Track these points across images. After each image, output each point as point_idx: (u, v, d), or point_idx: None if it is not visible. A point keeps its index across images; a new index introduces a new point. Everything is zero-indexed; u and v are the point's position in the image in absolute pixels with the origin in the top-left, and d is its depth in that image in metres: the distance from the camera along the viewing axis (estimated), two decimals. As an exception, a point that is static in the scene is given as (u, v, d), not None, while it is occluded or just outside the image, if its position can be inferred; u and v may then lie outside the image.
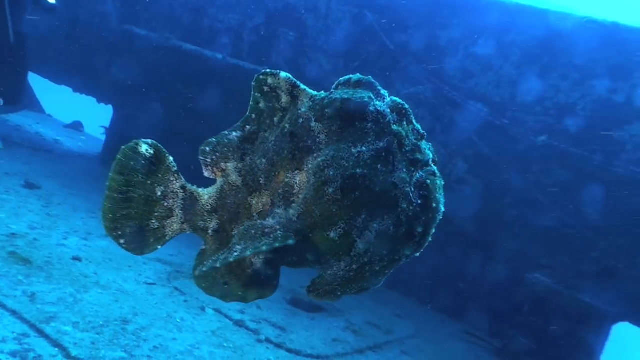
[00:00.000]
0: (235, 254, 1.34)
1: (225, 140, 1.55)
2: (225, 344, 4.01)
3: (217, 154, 1.55)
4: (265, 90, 1.49)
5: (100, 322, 3.60)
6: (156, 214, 1.58)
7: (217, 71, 6.97)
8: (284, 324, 4.71)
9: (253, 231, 1.40)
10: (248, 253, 1.33)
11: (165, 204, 1.58)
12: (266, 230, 1.38)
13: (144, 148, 1.57)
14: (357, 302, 5.91)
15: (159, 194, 1.58)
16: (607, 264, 5.78)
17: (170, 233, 1.60)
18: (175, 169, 1.59)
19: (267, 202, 1.45)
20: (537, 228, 6.02)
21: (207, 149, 1.56)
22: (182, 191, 1.59)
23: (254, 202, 1.48)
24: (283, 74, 1.48)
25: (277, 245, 1.32)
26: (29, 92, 10.93)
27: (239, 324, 4.44)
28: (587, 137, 5.85)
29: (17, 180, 6.05)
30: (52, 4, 6.89)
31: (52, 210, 5.52)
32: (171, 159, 1.59)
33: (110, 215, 1.57)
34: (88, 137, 11.67)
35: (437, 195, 1.32)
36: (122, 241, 1.59)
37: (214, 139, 1.57)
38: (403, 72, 6.69)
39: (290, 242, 1.33)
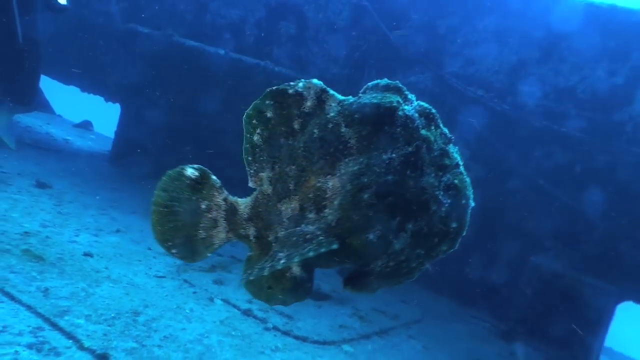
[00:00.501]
0: (282, 261, 1.40)
1: (257, 149, 1.60)
2: (233, 333, 4.13)
3: (257, 164, 1.60)
4: (290, 92, 1.51)
5: (112, 315, 3.73)
6: (202, 225, 1.67)
7: (219, 67, 7.07)
8: (291, 312, 4.82)
9: (294, 238, 1.46)
10: (296, 260, 1.39)
11: (210, 216, 1.67)
12: (307, 237, 1.43)
13: (189, 171, 1.67)
14: (363, 289, 6.00)
15: (204, 207, 1.67)
16: (610, 244, 5.84)
17: (218, 241, 1.69)
18: (219, 184, 1.68)
19: (296, 208, 1.50)
20: (540, 211, 6.08)
21: (250, 158, 1.61)
22: (224, 203, 1.67)
23: (283, 208, 1.53)
24: (315, 81, 1.52)
25: (322, 250, 1.38)
26: (39, 93, 11.10)
27: (246, 313, 4.56)
28: (587, 120, 5.90)
29: (29, 180, 6.20)
30: (63, 5, 6.99)
31: (63, 208, 5.66)
32: (214, 177, 1.68)
33: (159, 228, 1.66)
34: (97, 135, 11.83)
35: (465, 192, 1.40)
36: (173, 250, 1.68)
37: (248, 145, 1.61)
38: (404, 61, 6.75)
39: (334, 246, 1.39)
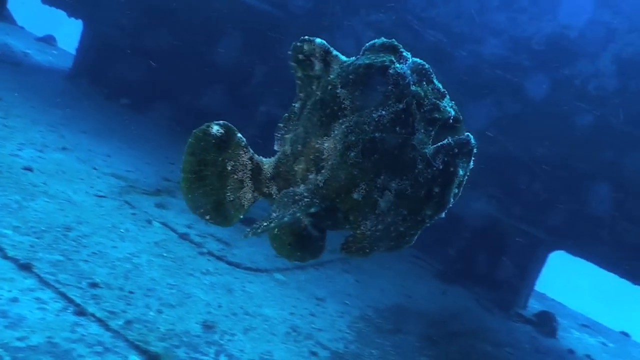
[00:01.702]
0: (264, 224, 1.43)
1: (293, 115, 1.61)
2: (165, 254, 4.24)
3: (286, 128, 1.61)
4: (300, 58, 1.53)
5: (42, 228, 3.79)
6: (229, 187, 1.66)
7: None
8: (229, 239, 4.93)
9: (286, 199, 1.50)
10: (272, 225, 1.42)
11: (236, 177, 1.66)
12: (296, 198, 1.47)
13: (214, 129, 1.63)
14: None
15: (230, 168, 1.65)
16: (547, 194, 6.02)
17: (246, 202, 1.67)
18: (244, 143, 1.66)
19: (305, 168, 1.52)
20: (484, 158, 6.20)
21: (282, 124, 1.62)
22: (250, 162, 1.66)
23: (296, 168, 1.55)
24: (318, 40, 1.52)
25: (299, 215, 1.42)
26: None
27: (183, 237, 4.66)
28: (538, 71, 5.95)
29: (-23, 91, 6.10)
30: None
31: (9, 121, 5.60)
32: (239, 135, 1.65)
33: (189, 195, 1.65)
34: (60, 51, 11.52)
35: (457, 160, 1.36)
36: (207, 217, 1.66)
37: (286, 114, 1.62)
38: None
39: (312, 210, 1.42)
